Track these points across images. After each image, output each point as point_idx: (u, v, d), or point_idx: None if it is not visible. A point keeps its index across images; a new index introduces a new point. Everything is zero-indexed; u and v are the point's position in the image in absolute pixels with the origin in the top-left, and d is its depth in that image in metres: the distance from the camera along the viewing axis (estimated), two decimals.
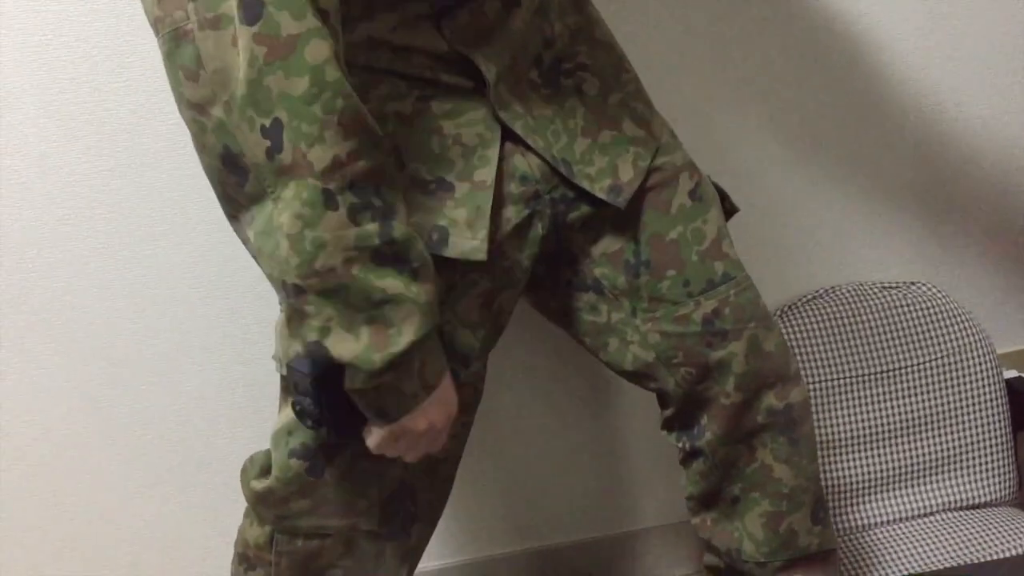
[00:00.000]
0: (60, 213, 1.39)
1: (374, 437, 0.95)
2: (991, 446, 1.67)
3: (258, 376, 1.52)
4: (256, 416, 1.53)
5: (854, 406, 1.64)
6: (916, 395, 1.65)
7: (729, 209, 1.24)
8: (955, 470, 1.67)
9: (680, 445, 1.24)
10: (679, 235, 1.15)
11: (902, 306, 1.66)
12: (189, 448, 1.53)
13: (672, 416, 1.23)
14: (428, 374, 0.92)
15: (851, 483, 1.64)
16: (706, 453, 1.20)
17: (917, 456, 1.65)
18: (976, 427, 1.66)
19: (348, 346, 0.87)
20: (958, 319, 1.66)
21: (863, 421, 1.64)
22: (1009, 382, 1.69)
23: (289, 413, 1.07)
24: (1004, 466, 1.67)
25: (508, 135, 1.05)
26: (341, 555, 1.12)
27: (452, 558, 1.68)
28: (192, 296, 1.46)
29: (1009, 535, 1.55)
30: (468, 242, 1.02)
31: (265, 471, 1.12)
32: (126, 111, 1.35)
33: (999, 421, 1.67)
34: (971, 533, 1.57)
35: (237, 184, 0.86)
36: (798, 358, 1.62)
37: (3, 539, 1.50)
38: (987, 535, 1.56)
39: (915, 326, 1.66)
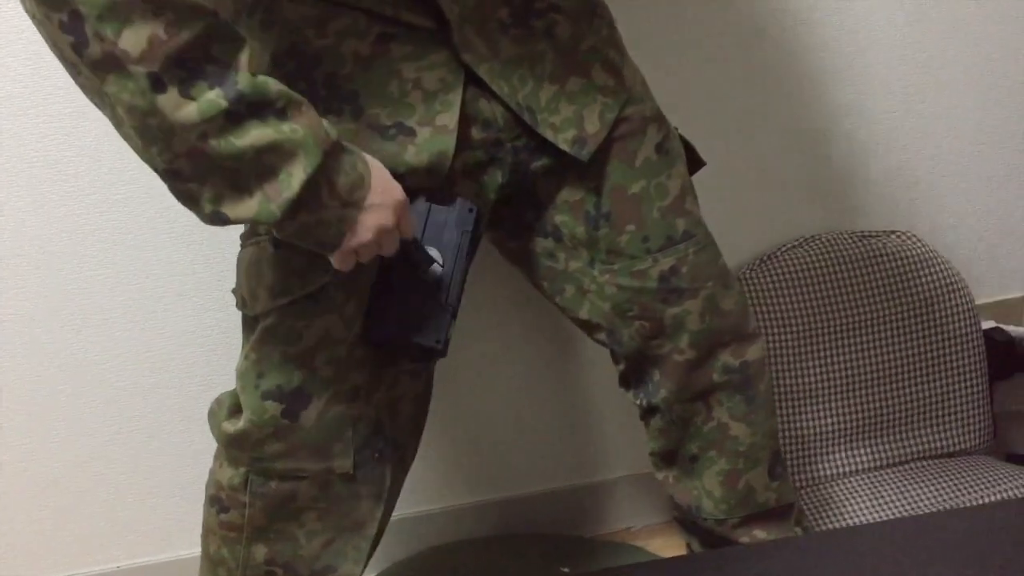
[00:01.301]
0: (30, 155, 1.37)
1: (334, 262, 0.94)
2: (968, 395, 1.67)
3: (233, 321, 1.50)
4: (231, 363, 1.53)
5: (832, 355, 1.64)
6: (894, 344, 1.65)
7: (696, 161, 1.22)
8: (931, 419, 1.67)
9: (637, 402, 1.24)
10: (641, 190, 1.13)
11: (880, 255, 1.64)
12: (163, 395, 1.53)
13: (626, 372, 1.23)
14: (344, 192, 0.89)
15: (827, 432, 1.64)
16: (663, 410, 1.21)
17: (894, 405, 1.66)
18: (953, 376, 1.66)
19: (245, 207, 0.85)
20: (937, 268, 1.65)
21: (840, 370, 1.64)
22: (987, 332, 1.68)
23: (253, 353, 1.06)
24: (980, 415, 1.67)
25: (472, 79, 1.02)
26: (316, 497, 1.12)
27: (424, 506, 1.70)
28: (165, 241, 1.45)
29: (983, 483, 1.56)
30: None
31: (234, 412, 1.11)
32: None
33: (976, 371, 1.67)
34: (946, 481, 1.58)
35: (76, 79, 0.82)
36: (775, 308, 1.61)
37: None
38: (962, 483, 1.57)
39: (893, 275, 1.64)
